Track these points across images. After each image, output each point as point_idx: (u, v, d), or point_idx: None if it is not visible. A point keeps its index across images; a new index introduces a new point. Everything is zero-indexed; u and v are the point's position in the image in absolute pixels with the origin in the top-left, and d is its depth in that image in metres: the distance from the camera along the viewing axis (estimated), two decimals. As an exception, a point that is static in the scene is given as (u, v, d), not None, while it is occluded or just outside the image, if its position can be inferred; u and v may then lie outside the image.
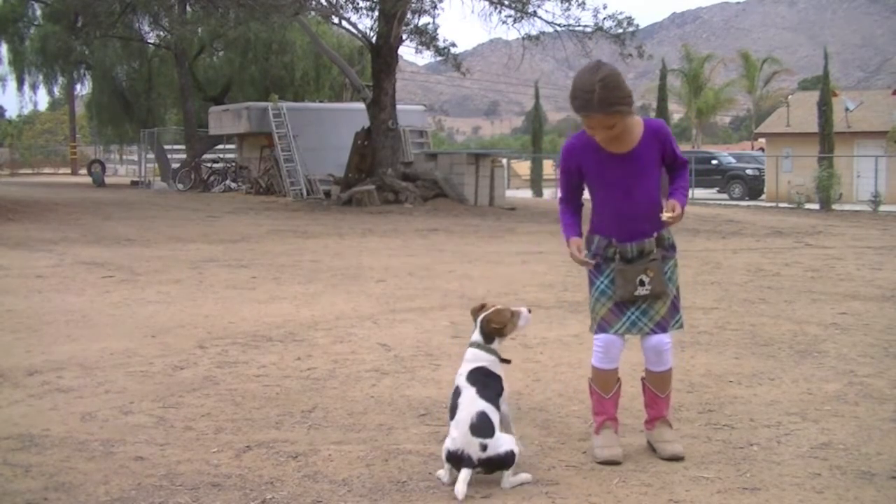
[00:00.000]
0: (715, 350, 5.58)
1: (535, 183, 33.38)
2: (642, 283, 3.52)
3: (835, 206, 24.44)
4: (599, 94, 3.30)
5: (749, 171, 33.03)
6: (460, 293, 7.90)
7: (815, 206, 24.68)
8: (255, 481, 3.32)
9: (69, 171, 47.07)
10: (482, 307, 3.55)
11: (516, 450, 3.24)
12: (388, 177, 20.20)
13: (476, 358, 3.44)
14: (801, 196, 25.20)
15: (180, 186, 28.08)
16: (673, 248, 3.68)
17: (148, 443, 3.75)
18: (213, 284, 8.34)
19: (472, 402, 3.28)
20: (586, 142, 3.57)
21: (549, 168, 39.03)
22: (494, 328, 3.47)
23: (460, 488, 3.16)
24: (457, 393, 3.35)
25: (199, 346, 5.61)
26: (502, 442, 3.23)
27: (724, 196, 31.92)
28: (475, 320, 3.53)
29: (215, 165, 28.95)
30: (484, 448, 3.19)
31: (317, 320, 6.54)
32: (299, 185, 23.68)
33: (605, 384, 3.63)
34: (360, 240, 13.08)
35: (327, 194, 22.41)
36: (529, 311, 3.56)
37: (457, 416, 3.27)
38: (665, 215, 3.49)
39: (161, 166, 33.80)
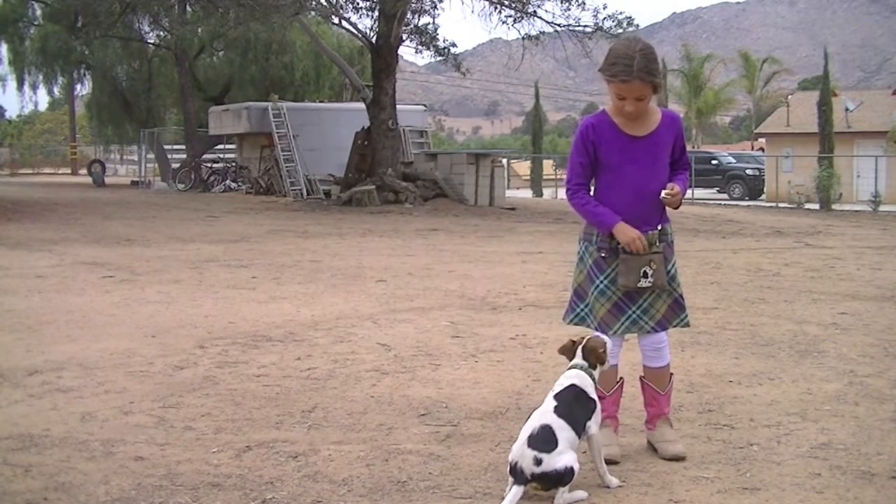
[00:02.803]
0: (715, 350, 5.58)
1: (535, 183, 33.42)
2: (645, 275, 3.51)
3: (835, 206, 24.45)
4: (639, 61, 3.39)
5: (749, 171, 33.05)
6: (460, 293, 7.90)
7: (815, 206, 24.69)
8: (255, 481, 3.32)
9: (69, 171, 47.05)
10: (573, 343, 3.45)
11: (576, 466, 3.06)
12: (388, 177, 20.20)
13: (576, 376, 3.34)
14: (801, 196, 25.22)
15: (180, 186, 28.08)
16: (672, 245, 3.68)
17: (148, 443, 3.75)
18: (213, 284, 8.33)
19: (542, 415, 3.16)
20: (606, 121, 3.59)
21: (549, 168, 39.09)
22: (601, 354, 3.39)
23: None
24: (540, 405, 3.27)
25: (199, 346, 5.61)
26: (562, 457, 3.05)
27: (724, 196, 31.94)
28: (571, 355, 3.43)
29: (215, 165, 28.95)
30: (538, 462, 3.01)
31: (317, 320, 6.54)
32: (299, 185, 23.67)
33: (605, 381, 3.62)
34: (360, 240, 13.08)
35: (327, 194, 22.40)
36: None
37: (523, 427, 3.17)
38: (664, 192, 3.50)
39: (161, 166, 33.79)
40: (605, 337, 3.46)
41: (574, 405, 3.22)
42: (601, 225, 3.56)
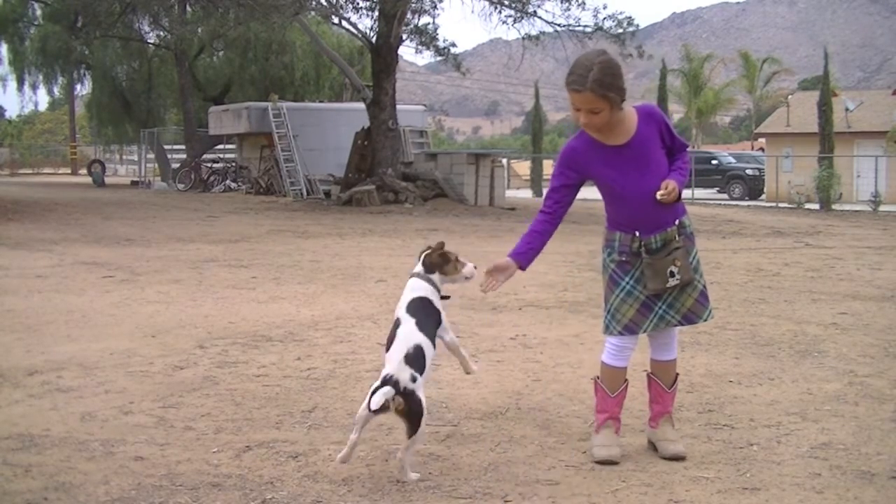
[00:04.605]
0: (715, 350, 5.58)
1: (535, 183, 33.43)
2: (672, 275, 3.49)
3: (835, 206, 24.46)
4: (595, 73, 3.33)
5: (749, 171, 33.07)
6: (460, 293, 7.89)
7: (815, 206, 24.69)
8: (255, 481, 3.32)
9: (69, 171, 47.03)
10: (428, 248, 3.69)
11: (423, 425, 3.26)
12: (388, 177, 20.20)
13: (417, 287, 3.56)
14: (801, 196, 25.21)
15: (180, 186, 28.07)
16: (692, 236, 3.65)
17: (148, 443, 3.75)
18: (213, 284, 8.33)
19: (410, 335, 3.36)
20: (587, 141, 3.54)
21: (549, 168, 39.05)
22: (433, 261, 3.60)
23: (376, 399, 3.16)
24: (396, 324, 3.45)
25: (199, 346, 5.61)
26: (421, 391, 3.26)
27: (724, 196, 31.94)
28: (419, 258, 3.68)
29: (215, 165, 28.94)
30: (414, 380, 3.23)
31: (317, 320, 6.54)
32: (299, 185, 23.67)
33: (612, 382, 3.62)
34: (360, 240, 13.08)
35: (327, 194, 22.40)
36: (475, 267, 3.68)
37: (393, 348, 3.35)
38: (659, 194, 3.46)
39: (161, 166, 33.80)
40: (470, 265, 3.65)
41: (428, 317, 3.47)
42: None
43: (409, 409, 3.21)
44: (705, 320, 3.65)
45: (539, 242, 3.59)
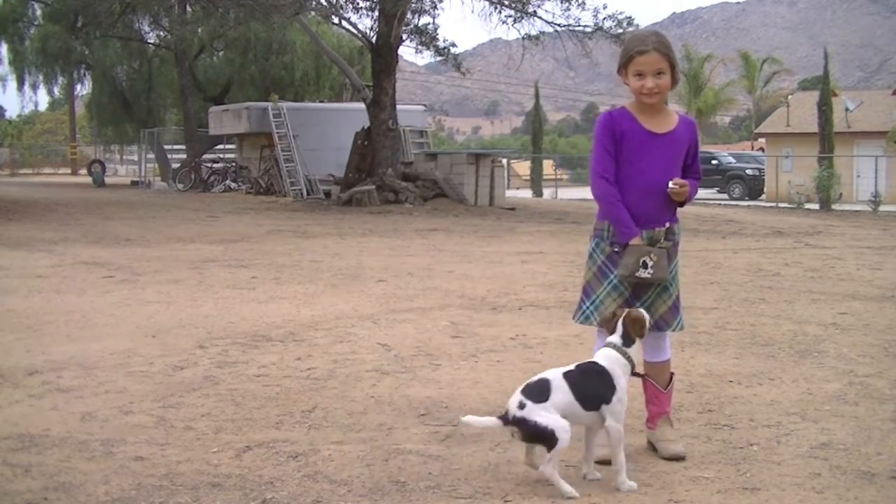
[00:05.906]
0: (715, 350, 5.58)
1: (535, 183, 33.43)
2: (644, 266, 3.49)
3: (835, 206, 24.46)
4: (654, 39, 3.55)
5: (749, 171, 33.10)
6: (460, 293, 7.90)
7: (815, 206, 24.69)
8: (255, 481, 3.32)
9: (69, 171, 47.05)
10: (614, 315, 3.39)
11: (562, 437, 3.05)
12: (388, 177, 20.19)
13: (603, 355, 3.31)
14: (801, 196, 25.22)
15: (180, 186, 28.07)
16: (677, 246, 3.68)
17: (148, 443, 3.75)
18: (213, 284, 8.33)
19: (547, 371, 3.26)
20: (627, 115, 3.61)
21: (549, 168, 39.10)
22: (634, 329, 3.31)
23: (470, 418, 3.23)
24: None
25: (199, 346, 5.61)
26: (544, 414, 3.07)
27: (724, 196, 31.97)
28: (611, 328, 3.36)
29: (215, 165, 28.94)
30: (522, 406, 3.10)
31: (317, 320, 6.54)
32: (299, 185, 23.66)
33: None
34: (360, 240, 13.07)
35: (327, 194, 22.40)
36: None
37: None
38: (671, 183, 3.52)
39: (161, 166, 33.81)
40: (645, 312, 3.42)
41: (588, 379, 3.22)
42: (620, 233, 3.54)
43: (527, 433, 3.12)
44: (673, 330, 3.67)
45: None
